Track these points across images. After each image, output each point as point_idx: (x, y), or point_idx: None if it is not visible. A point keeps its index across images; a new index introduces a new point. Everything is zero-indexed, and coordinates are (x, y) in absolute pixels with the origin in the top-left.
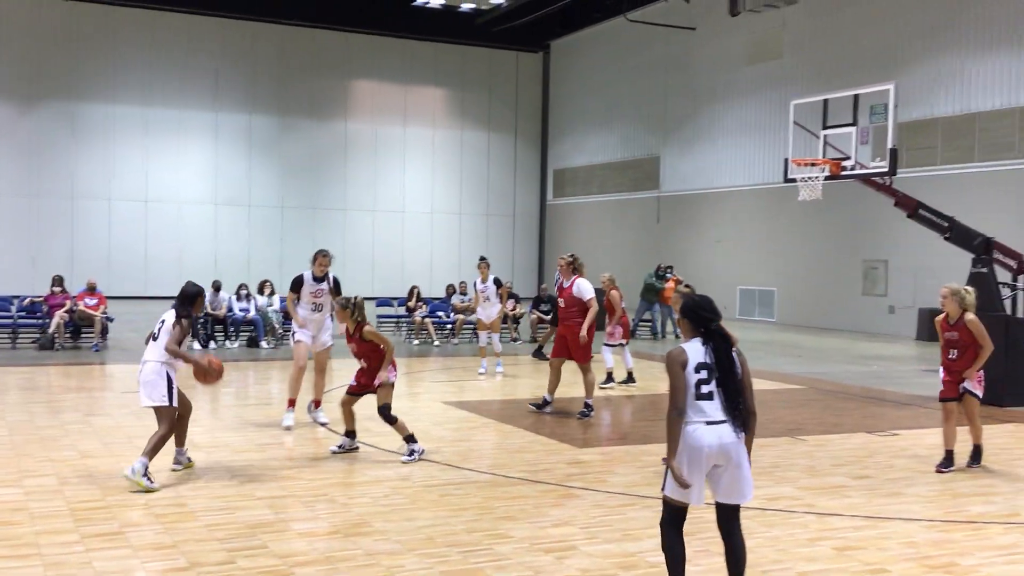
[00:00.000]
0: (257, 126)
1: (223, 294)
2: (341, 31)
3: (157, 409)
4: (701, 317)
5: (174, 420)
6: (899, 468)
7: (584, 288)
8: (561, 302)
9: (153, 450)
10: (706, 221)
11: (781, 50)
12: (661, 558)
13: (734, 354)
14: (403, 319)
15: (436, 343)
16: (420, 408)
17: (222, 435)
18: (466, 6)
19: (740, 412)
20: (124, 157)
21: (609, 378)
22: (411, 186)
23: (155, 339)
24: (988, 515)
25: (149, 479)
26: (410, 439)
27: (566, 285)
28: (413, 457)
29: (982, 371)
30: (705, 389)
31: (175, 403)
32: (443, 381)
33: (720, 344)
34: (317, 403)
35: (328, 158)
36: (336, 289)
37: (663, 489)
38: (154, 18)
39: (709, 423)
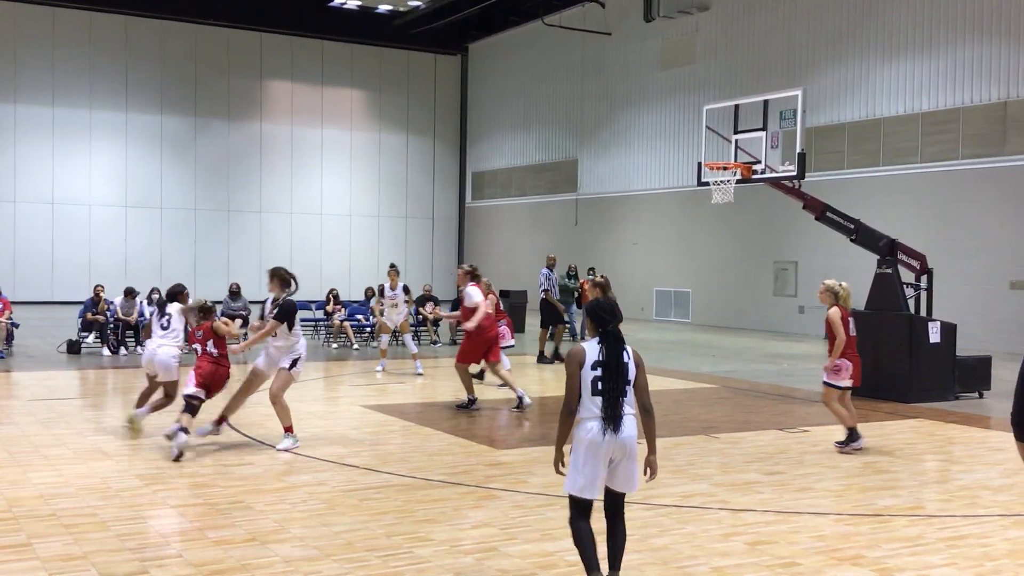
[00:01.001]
0: (169, 127)
1: (136, 300)
2: (255, 31)
3: (172, 383)
4: (600, 318)
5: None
6: (809, 463)
7: (470, 294)
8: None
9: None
10: (623, 223)
11: (694, 56)
12: (579, 557)
13: (626, 356)
14: (321, 323)
15: (355, 347)
16: (339, 412)
17: (133, 443)
18: (383, 8)
19: (619, 411)
20: (30, 158)
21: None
22: (328, 188)
23: (165, 328)
24: (893, 508)
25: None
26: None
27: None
28: (178, 440)
29: (847, 362)
30: (601, 386)
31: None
32: (362, 385)
33: (612, 345)
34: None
35: (243, 160)
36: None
37: (564, 488)
38: (57, 15)
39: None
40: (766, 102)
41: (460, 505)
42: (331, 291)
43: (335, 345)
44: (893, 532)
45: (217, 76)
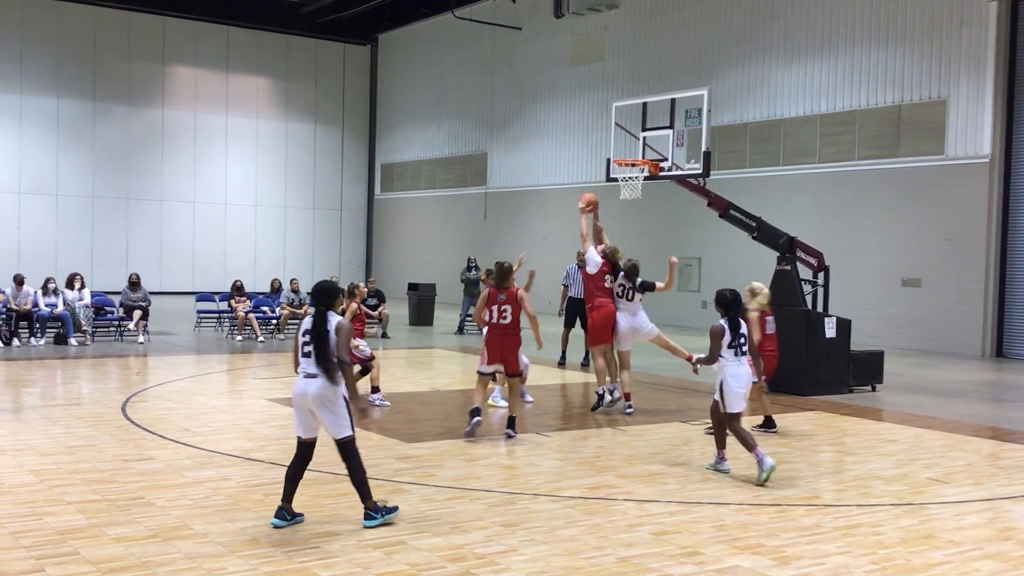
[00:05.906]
0: (66, 111)
1: (27, 288)
2: (158, 14)
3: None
4: (317, 302)
5: None
6: (711, 455)
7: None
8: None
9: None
10: (532, 217)
11: (603, 53)
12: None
13: (329, 326)
14: (226, 315)
15: (260, 339)
16: (244, 405)
17: (27, 438)
18: None
19: (328, 367)
20: None
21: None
22: (233, 177)
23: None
24: (791, 498)
25: None
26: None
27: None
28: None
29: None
30: (306, 349)
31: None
32: (267, 378)
33: (319, 318)
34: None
35: (144, 146)
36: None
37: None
38: None
39: (307, 376)
40: (673, 101)
41: None
42: (236, 282)
43: (240, 338)
44: (791, 521)
45: (117, 60)
